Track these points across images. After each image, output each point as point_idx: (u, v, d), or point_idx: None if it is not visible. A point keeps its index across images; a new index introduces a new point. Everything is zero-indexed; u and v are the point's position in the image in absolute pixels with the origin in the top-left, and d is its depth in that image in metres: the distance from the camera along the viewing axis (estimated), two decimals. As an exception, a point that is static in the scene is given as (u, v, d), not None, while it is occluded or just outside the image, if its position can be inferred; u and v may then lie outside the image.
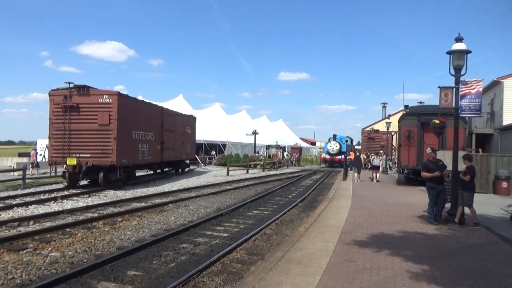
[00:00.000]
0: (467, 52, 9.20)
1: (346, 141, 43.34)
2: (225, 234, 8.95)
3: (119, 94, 16.07)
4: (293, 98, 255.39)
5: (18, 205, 11.83)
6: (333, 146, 40.76)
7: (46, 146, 24.86)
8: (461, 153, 10.24)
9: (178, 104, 42.06)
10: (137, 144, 17.85)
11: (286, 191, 18.20)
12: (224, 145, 42.04)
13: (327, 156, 40.73)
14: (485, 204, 12.57)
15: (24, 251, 7.16)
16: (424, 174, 9.41)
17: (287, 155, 47.14)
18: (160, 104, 24.35)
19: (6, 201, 12.69)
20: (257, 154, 42.01)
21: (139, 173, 22.80)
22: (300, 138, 75.32)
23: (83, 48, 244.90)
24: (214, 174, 27.25)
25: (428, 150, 9.69)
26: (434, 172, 9.16)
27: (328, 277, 5.26)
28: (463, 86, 9.36)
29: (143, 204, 12.75)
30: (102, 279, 5.80)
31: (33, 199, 13.20)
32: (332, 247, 6.86)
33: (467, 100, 9.39)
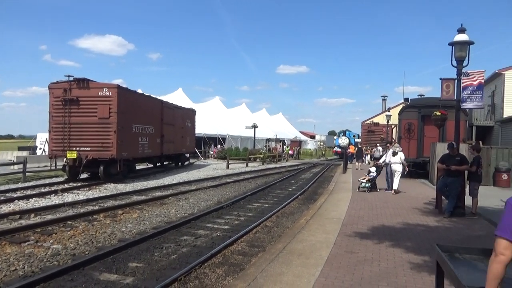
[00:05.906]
0: (469, 43, 9.14)
1: (354, 136, 49.71)
2: (226, 227, 8.96)
3: (118, 87, 16.00)
4: (292, 92, 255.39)
5: (19, 198, 11.82)
6: (343, 141, 46.56)
7: (46, 140, 24.81)
8: (461, 146, 10.29)
9: (177, 98, 41.88)
10: (137, 137, 17.82)
11: (286, 184, 18.21)
12: (223, 139, 41.98)
13: (339, 149, 45.88)
14: (486, 196, 12.51)
15: (26, 244, 7.17)
16: (438, 165, 9.69)
17: (286, 147, 47.22)
18: (159, 98, 24.25)
19: (7, 194, 12.69)
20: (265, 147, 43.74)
21: (139, 167, 22.78)
22: (300, 132, 75.23)
23: (82, 42, 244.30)
24: (213, 167, 27.25)
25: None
26: (449, 165, 9.12)
27: (329, 268, 5.28)
28: (465, 78, 9.31)
29: (143, 197, 12.76)
30: (104, 271, 5.82)
31: (33, 192, 13.19)
32: (333, 239, 6.87)
33: (469, 92, 9.36)
